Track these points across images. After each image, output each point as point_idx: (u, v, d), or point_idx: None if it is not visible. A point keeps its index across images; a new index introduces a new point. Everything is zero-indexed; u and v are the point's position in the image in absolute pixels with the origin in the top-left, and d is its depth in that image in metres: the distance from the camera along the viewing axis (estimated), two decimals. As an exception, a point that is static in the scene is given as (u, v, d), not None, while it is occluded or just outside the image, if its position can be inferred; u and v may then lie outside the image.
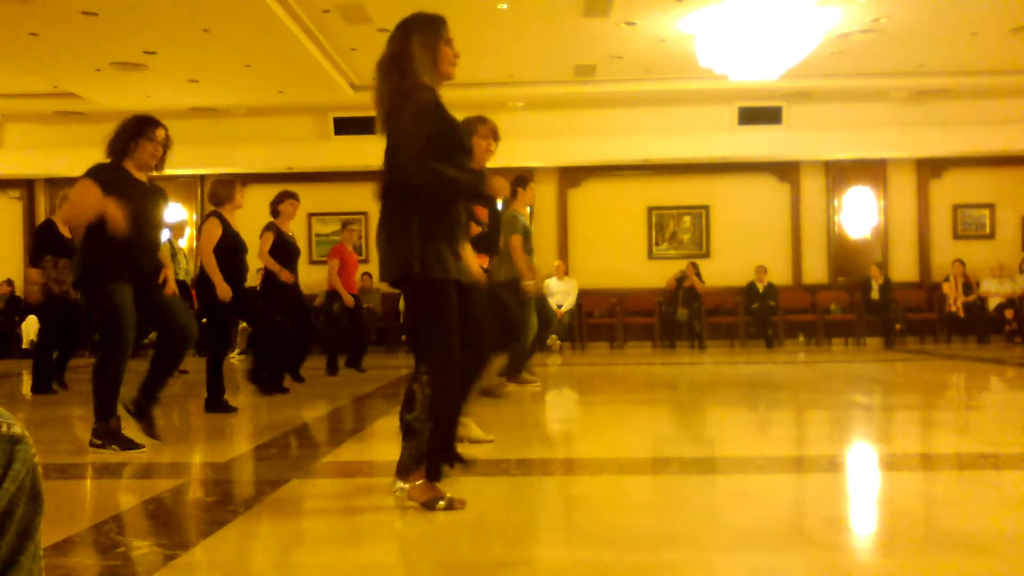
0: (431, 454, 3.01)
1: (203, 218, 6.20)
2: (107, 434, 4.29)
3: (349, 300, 8.33)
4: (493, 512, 3.07)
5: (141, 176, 4.53)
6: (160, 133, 4.49)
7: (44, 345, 7.40)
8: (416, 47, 3.00)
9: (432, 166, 2.92)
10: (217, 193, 6.25)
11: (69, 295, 7.21)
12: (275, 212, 6.93)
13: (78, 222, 4.49)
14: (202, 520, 2.98)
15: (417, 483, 3.00)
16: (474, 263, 3.21)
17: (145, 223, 4.49)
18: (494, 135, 4.54)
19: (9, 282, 13.24)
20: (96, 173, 4.40)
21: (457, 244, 3.06)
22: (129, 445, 4.29)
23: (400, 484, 3.08)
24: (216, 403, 5.94)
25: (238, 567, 2.52)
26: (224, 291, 5.93)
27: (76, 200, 4.42)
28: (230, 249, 6.08)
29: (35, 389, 7.25)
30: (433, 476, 3.00)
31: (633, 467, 3.95)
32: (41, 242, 7.16)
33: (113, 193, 4.28)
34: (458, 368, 2.99)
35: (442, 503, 2.95)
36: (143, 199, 4.49)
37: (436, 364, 3.01)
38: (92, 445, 4.31)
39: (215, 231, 6.03)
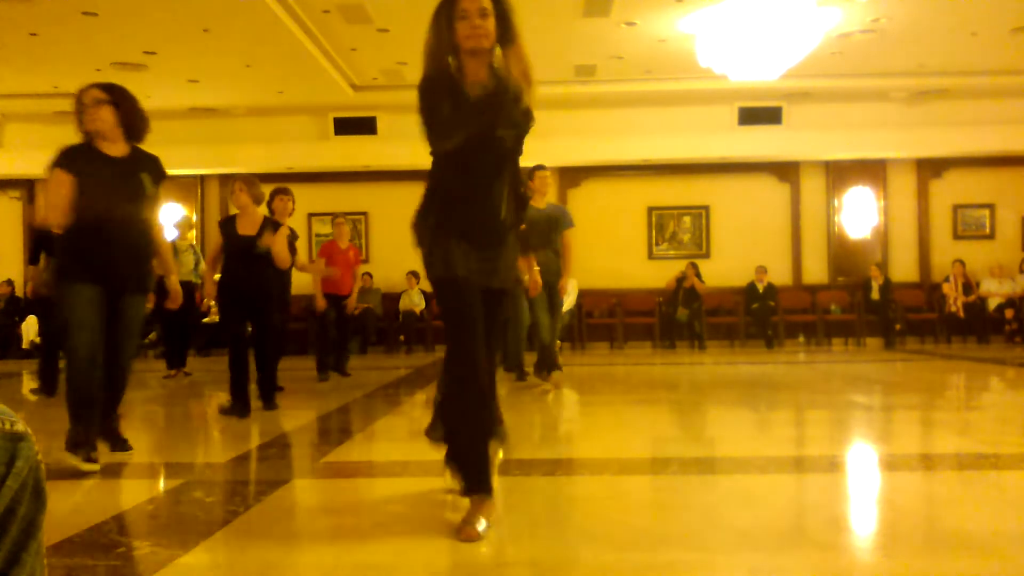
0: (455, 463, 2.91)
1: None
2: (74, 443, 3.80)
3: (320, 304, 7.82)
4: (493, 512, 3.06)
5: (115, 150, 4.07)
6: (87, 95, 4.07)
7: (46, 347, 7.30)
8: (429, 35, 2.97)
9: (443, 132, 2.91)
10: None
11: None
12: (269, 211, 6.67)
13: (57, 220, 3.86)
14: (202, 520, 2.98)
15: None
16: (522, 267, 3.04)
17: (114, 201, 3.94)
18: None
19: (9, 282, 13.24)
20: (61, 159, 3.96)
21: (477, 243, 2.89)
22: (90, 459, 3.79)
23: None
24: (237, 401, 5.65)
25: (238, 567, 2.51)
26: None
27: (50, 192, 3.90)
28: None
29: (39, 391, 7.14)
30: (469, 488, 2.82)
31: (633, 467, 3.95)
32: (42, 241, 6.96)
33: (79, 174, 3.89)
34: (473, 368, 2.79)
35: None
36: (111, 175, 3.99)
37: (451, 363, 2.89)
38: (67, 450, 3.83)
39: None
